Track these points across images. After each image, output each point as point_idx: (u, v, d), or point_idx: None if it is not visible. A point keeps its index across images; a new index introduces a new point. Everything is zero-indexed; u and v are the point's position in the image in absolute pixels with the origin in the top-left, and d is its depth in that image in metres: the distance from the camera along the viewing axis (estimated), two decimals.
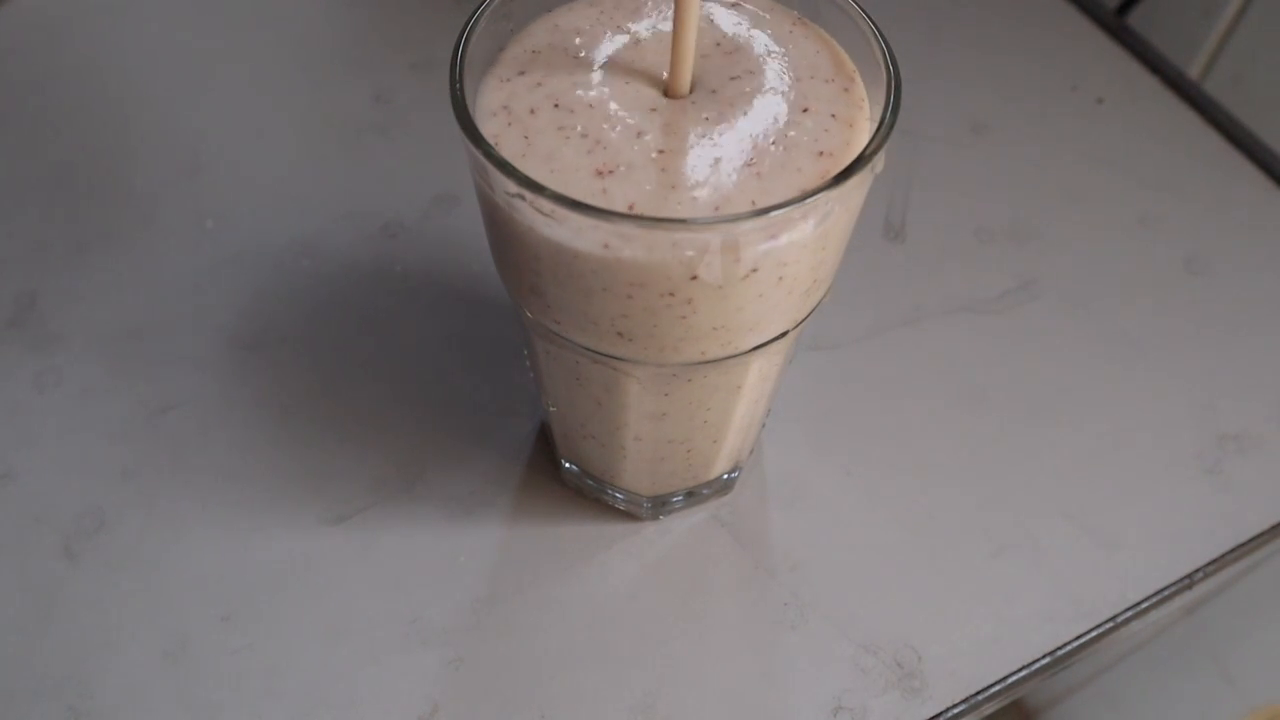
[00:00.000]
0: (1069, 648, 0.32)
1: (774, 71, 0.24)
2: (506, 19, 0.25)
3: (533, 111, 0.23)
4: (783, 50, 0.25)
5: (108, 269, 0.41)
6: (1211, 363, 0.39)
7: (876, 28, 0.24)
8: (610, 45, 0.25)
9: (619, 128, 0.23)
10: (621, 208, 0.21)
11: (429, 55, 0.49)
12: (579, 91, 0.24)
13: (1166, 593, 0.33)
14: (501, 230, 0.24)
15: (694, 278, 0.22)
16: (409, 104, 0.47)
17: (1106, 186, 0.45)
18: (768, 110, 0.23)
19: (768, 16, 0.26)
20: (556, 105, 0.23)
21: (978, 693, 0.31)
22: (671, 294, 0.22)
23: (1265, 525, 0.35)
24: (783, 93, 0.24)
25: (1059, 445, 0.36)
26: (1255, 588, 0.53)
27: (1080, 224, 0.43)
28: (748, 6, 0.26)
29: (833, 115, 0.24)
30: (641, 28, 0.25)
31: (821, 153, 0.23)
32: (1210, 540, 0.34)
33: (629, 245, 0.21)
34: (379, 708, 0.30)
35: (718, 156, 0.22)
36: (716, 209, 0.22)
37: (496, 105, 0.24)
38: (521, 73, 0.24)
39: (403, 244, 0.42)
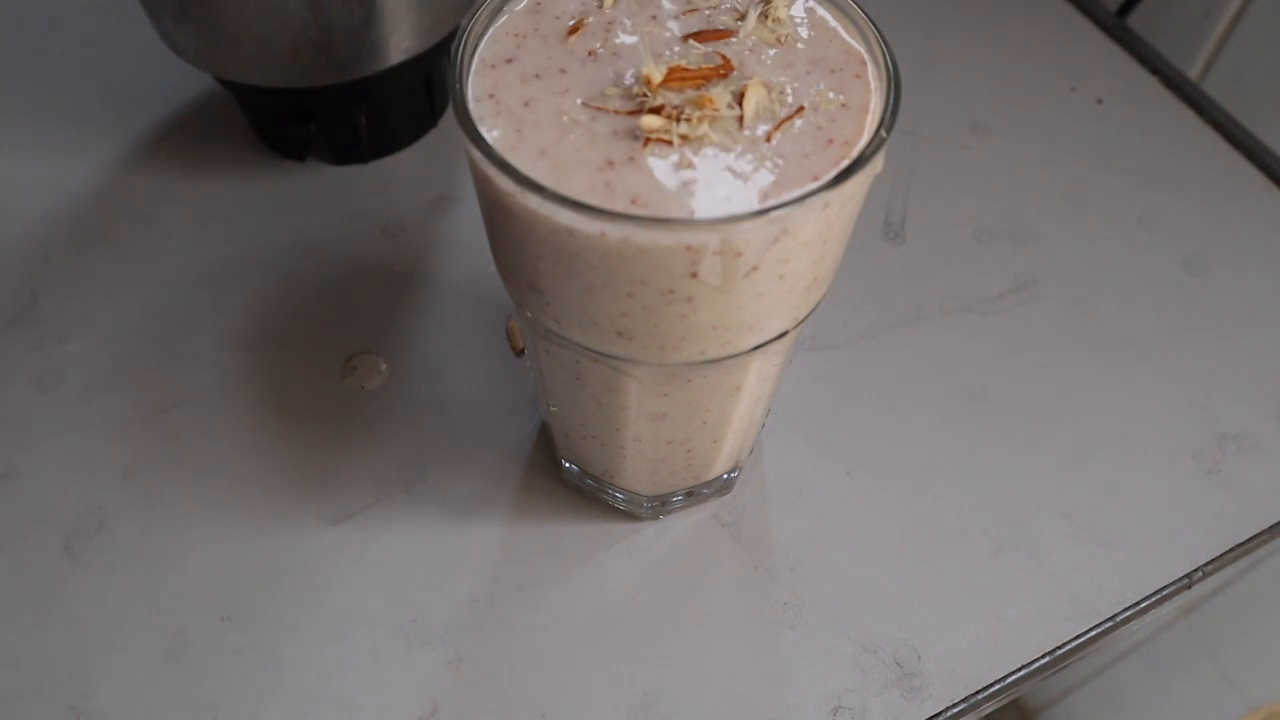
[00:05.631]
0: (1068, 647, 0.32)
1: (783, 60, 0.24)
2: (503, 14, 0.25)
3: (526, 104, 0.23)
4: (794, 38, 0.25)
5: (109, 268, 0.41)
6: (1211, 363, 0.39)
7: (876, 28, 0.24)
8: (603, 28, 0.25)
9: (619, 119, 0.23)
10: (625, 200, 0.21)
11: None
12: (574, 82, 0.23)
13: (1165, 592, 0.33)
14: (501, 228, 0.24)
15: (694, 275, 0.22)
16: None
17: (1106, 187, 0.45)
18: (777, 98, 0.23)
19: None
20: (551, 96, 0.23)
21: (977, 692, 0.31)
22: (672, 291, 0.22)
23: (1264, 525, 0.35)
24: (792, 82, 0.24)
25: (1059, 445, 0.36)
26: (1254, 587, 0.53)
27: (1079, 224, 0.43)
28: None
29: (844, 104, 0.23)
30: (635, 9, 0.25)
31: (831, 141, 0.23)
32: (1209, 540, 0.34)
33: (629, 243, 0.21)
34: (379, 707, 0.30)
35: (726, 145, 0.22)
36: (726, 200, 0.21)
37: (481, 93, 0.23)
38: (509, 60, 0.24)
39: (403, 244, 0.42)
